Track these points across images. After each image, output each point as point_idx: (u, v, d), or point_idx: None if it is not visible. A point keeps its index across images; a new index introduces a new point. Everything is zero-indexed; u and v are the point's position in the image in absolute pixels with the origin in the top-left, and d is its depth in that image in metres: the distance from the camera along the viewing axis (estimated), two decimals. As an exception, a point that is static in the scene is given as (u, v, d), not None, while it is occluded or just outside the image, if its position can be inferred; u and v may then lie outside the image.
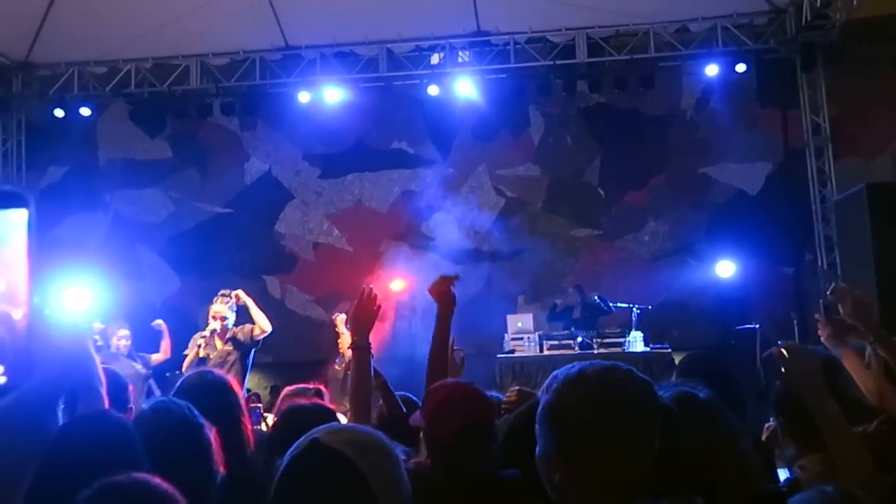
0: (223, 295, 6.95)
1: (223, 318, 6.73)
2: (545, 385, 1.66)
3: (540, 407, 1.64)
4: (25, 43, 10.55)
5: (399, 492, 1.48)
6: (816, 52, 9.91)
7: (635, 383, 1.61)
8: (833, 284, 2.80)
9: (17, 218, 1.02)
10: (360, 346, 3.01)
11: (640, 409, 1.58)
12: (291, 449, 1.51)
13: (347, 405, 3.45)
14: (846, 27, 9.55)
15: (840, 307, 2.85)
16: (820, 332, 3.10)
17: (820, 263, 10.00)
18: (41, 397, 1.95)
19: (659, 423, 1.59)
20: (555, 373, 1.66)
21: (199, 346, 6.69)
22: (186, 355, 6.88)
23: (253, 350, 6.86)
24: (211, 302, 6.97)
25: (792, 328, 8.63)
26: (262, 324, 6.80)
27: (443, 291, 3.44)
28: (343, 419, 3.62)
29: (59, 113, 11.10)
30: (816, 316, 3.15)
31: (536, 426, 1.64)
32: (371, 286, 3.12)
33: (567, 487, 1.58)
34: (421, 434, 2.64)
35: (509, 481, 2.21)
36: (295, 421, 3.06)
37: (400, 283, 10.61)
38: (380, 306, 3.10)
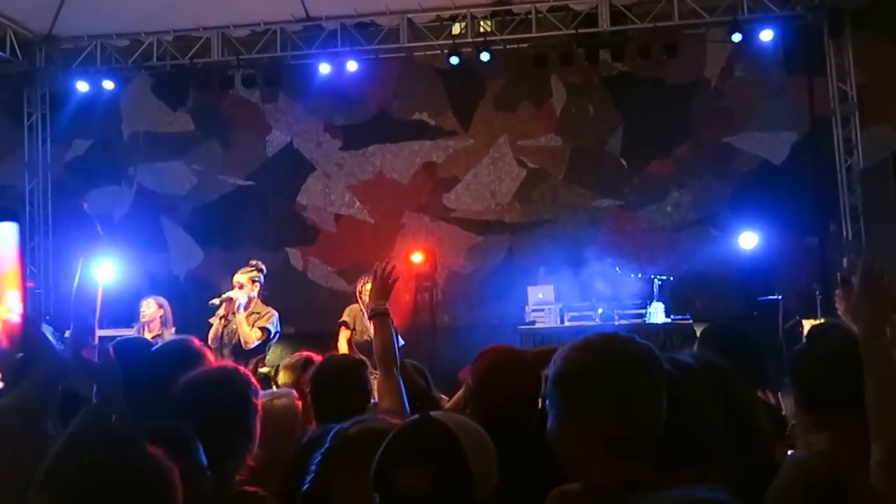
0: (250, 265, 7.00)
1: (241, 287, 6.77)
2: (553, 358, 1.70)
3: (549, 378, 1.68)
4: (48, 16, 10.58)
5: (492, 479, 1.58)
6: (844, 18, 9.72)
7: (636, 348, 1.66)
8: (851, 258, 2.81)
9: (8, 231, 1.05)
10: (379, 312, 3.26)
11: (642, 372, 1.64)
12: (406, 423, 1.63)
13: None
14: (875, -8, 9.38)
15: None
16: (837, 304, 3.10)
17: (845, 234, 9.89)
18: (36, 400, 2.02)
19: (663, 385, 1.62)
20: (562, 346, 1.71)
21: (220, 317, 6.75)
22: (212, 324, 6.93)
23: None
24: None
25: (812, 298, 8.59)
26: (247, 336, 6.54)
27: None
28: None
29: (82, 86, 11.16)
30: (837, 291, 3.15)
31: (547, 398, 1.68)
32: (389, 260, 3.31)
33: (580, 456, 1.61)
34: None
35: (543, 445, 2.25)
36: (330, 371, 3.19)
37: (421, 255, 10.64)
38: (397, 279, 3.34)
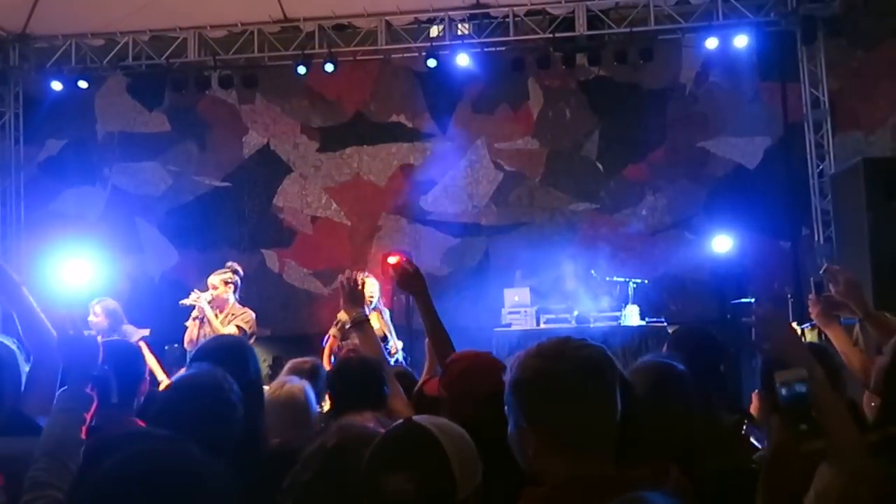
0: (226, 266, 6.95)
1: (214, 288, 6.73)
2: (509, 365, 1.75)
3: (506, 384, 1.72)
4: (22, 15, 10.47)
5: (475, 481, 1.64)
6: (817, 25, 9.85)
7: (590, 350, 1.72)
8: (825, 265, 2.86)
9: None
10: (359, 321, 3.41)
11: (595, 374, 1.69)
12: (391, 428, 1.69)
13: None
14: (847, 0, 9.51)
15: (831, 286, 2.90)
16: (811, 309, 3.15)
17: (817, 238, 10.03)
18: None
19: (616, 386, 1.67)
20: (517, 353, 1.76)
21: (194, 318, 6.70)
22: (188, 327, 6.88)
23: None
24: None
25: (784, 302, 8.70)
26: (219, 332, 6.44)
27: (404, 279, 3.54)
28: None
29: (56, 86, 11.03)
30: (810, 296, 3.20)
31: (505, 405, 1.72)
32: (347, 275, 3.36)
33: (539, 456, 1.65)
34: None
35: None
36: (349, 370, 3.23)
37: (398, 258, 10.63)
38: (363, 287, 3.48)
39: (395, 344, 7.20)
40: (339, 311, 7.16)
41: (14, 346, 2.67)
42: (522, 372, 1.71)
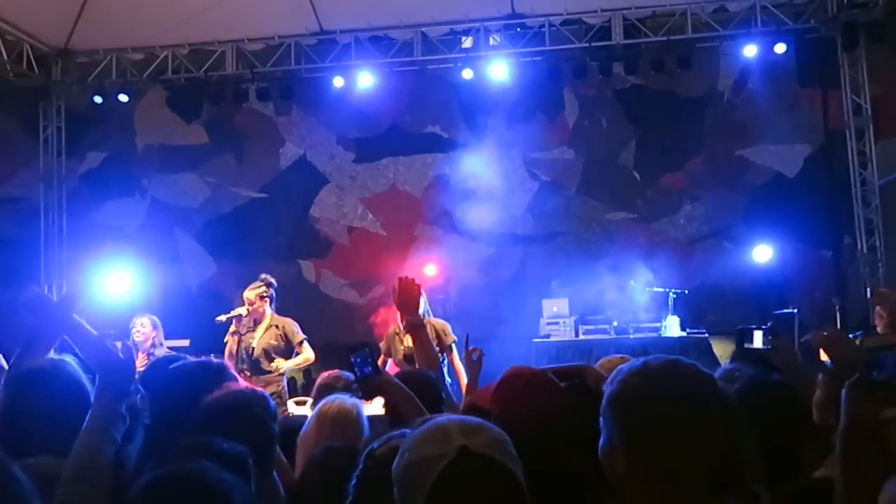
0: (260, 279, 6.96)
1: (251, 304, 6.75)
2: (610, 377, 1.69)
3: (604, 398, 1.66)
4: (64, 30, 10.69)
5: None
6: (858, 31, 9.69)
7: (698, 375, 1.64)
8: (873, 290, 2.86)
9: None
10: (414, 324, 3.40)
11: (703, 400, 1.60)
12: (433, 454, 1.52)
13: None
14: (889, 5, 9.35)
15: (880, 308, 2.88)
16: (877, 321, 3.13)
17: (859, 247, 9.84)
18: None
19: (720, 415, 1.59)
20: (620, 366, 1.69)
21: (232, 333, 6.71)
22: (227, 343, 6.87)
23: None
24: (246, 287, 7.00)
25: (829, 312, 8.54)
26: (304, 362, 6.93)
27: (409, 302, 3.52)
28: None
29: (97, 99, 11.23)
30: (877, 309, 3.18)
31: (601, 417, 1.66)
32: (404, 276, 3.33)
33: (630, 477, 1.59)
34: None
35: (576, 473, 2.19)
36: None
37: (434, 268, 10.63)
38: (419, 286, 3.41)
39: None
40: (375, 319, 7.19)
41: (77, 366, 2.54)
42: (623, 388, 1.64)
